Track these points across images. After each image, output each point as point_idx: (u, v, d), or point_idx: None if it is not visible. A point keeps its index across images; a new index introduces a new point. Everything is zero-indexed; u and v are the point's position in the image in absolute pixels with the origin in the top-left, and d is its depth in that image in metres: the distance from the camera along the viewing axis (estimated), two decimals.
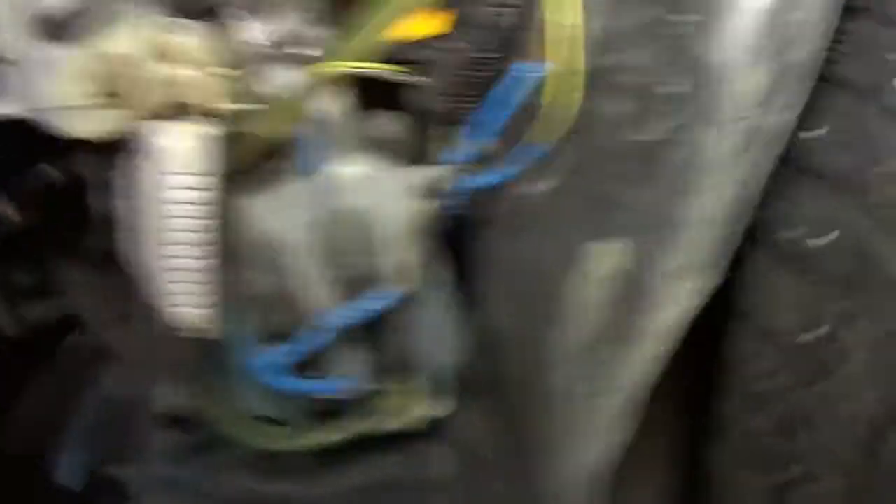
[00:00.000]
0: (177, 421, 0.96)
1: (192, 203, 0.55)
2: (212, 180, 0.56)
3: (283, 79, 0.61)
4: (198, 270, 0.57)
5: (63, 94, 0.54)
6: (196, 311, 0.58)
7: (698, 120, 0.46)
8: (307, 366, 0.72)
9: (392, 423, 0.81)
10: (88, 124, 0.55)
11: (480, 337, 0.79)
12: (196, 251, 0.57)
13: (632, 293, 0.50)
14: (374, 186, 0.67)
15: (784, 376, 0.56)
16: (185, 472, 1.08)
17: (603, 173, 0.52)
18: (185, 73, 0.55)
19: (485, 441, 1.13)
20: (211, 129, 0.56)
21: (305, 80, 0.61)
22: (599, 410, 0.55)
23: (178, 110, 0.56)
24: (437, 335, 0.74)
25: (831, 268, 0.54)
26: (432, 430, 1.12)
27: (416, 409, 0.79)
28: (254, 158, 0.63)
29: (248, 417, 0.78)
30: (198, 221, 0.56)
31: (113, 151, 0.58)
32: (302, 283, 0.69)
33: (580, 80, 0.54)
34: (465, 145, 0.63)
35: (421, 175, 0.66)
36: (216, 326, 0.60)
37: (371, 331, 0.72)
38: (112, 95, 0.54)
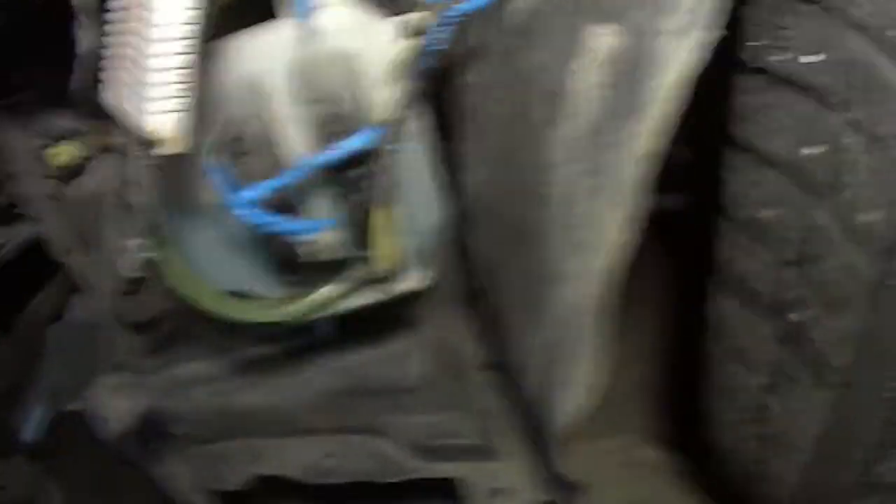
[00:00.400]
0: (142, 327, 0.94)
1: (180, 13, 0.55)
2: None
3: None
4: (178, 81, 0.56)
5: None
6: (172, 119, 0.57)
7: None
8: (286, 209, 0.70)
9: (377, 293, 0.79)
10: None
11: (470, 186, 0.78)
12: (177, 61, 0.56)
13: (632, 65, 0.49)
14: (361, 28, 0.67)
15: (788, 202, 0.54)
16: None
17: None
18: None
19: (463, 343, 1.11)
20: None
21: None
22: (602, 214, 0.53)
23: None
24: (422, 192, 0.72)
25: (826, 82, 0.54)
26: (409, 330, 1.09)
27: (401, 277, 0.77)
28: None
29: (223, 292, 0.75)
30: (184, 31, 0.55)
31: None
32: (282, 124, 0.69)
33: None
34: None
35: (405, 18, 0.65)
36: (187, 139, 0.59)
37: (351, 186, 0.70)
38: None
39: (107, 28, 0.63)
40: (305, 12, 0.65)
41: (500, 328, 0.85)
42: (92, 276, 1.17)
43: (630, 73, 0.49)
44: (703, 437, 0.72)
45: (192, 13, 0.56)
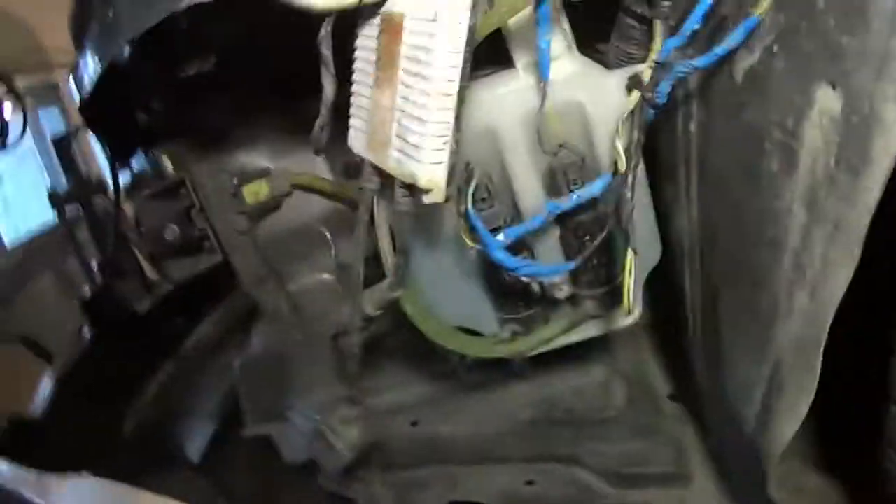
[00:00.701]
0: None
1: (454, 65, 0.61)
2: (468, 42, 0.61)
3: None
4: (446, 133, 0.62)
5: None
6: (441, 170, 0.63)
7: None
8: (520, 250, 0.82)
9: (593, 329, 0.90)
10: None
11: (688, 228, 0.89)
12: (448, 115, 0.62)
13: (858, 125, 0.55)
14: (590, 81, 0.78)
15: None
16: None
17: (814, 30, 0.61)
18: None
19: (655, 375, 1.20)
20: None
21: None
22: (836, 259, 0.60)
23: None
24: (644, 233, 0.82)
25: None
26: (607, 361, 1.20)
27: (617, 313, 0.87)
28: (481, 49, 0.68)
29: (453, 328, 0.87)
30: (454, 80, 0.61)
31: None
32: (521, 173, 0.80)
33: None
34: (672, 37, 0.72)
35: (631, 72, 0.75)
36: (444, 190, 0.64)
37: (583, 229, 0.82)
38: None
39: (356, 77, 0.72)
40: (541, 65, 0.73)
41: (711, 362, 0.93)
42: (283, 307, 1.34)
43: (855, 132, 0.55)
44: (873, 459, 0.77)
45: (460, 70, 0.61)
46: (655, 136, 0.93)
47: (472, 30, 0.61)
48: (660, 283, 1.02)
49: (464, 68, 0.61)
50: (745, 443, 0.85)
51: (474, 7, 0.61)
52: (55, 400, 1.14)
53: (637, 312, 0.88)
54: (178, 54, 0.94)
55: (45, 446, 1.05)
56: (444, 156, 0.63)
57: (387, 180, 0.72)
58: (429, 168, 0.63)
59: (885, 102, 0.53)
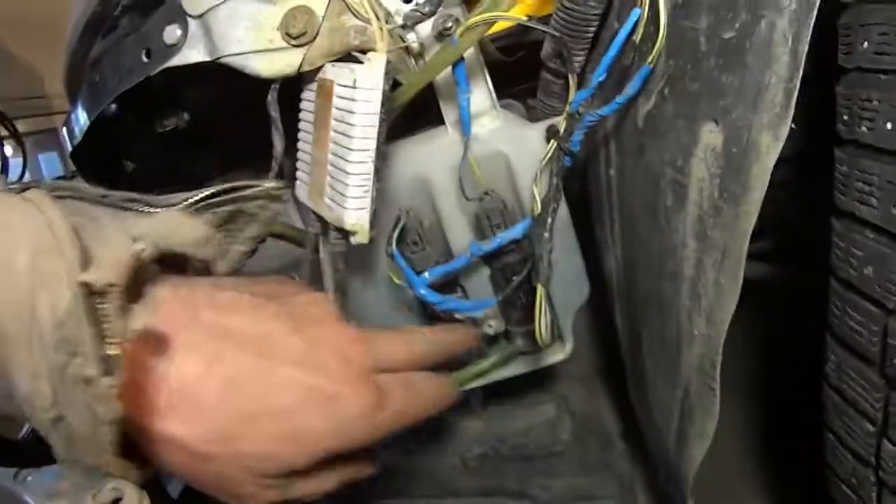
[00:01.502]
0: None
1: (370, 124, 0.67)
2: (383, 104, 0.67)
3: (431, 31, 0.76)
4: (368, 183, 0.68)
5: (255, 40, 0.70)
6: (365, 215, 0.69)
7: (766, 7, 0.54)
8: (449, 289, 0.85)
9: (525, 364, 0.91)
10: (271, 66, 0.71)
11: (613, 267, 0.91)
12: (369, 166, 0.68)
13: (736, 156, 0.58)
14: (512, 133, 0.81)
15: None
16: None
17: (698, 72, 0.64)
18: (356, 22, 0.70)
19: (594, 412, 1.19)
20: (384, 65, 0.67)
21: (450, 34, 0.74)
22: (724, 283, 0.62)
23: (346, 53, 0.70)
24: (569, 273, 0.85)
25: None
26: (555, 398, 1.20)
27: (547, 349, 0.88)
28: (405, 105, 0.76)
29: None
30: (371, 137, 0.67)
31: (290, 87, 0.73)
32: (450, 218, 0.83)
33: (662, 18, 0.65)
34: (581, 90, 0.75)
35: (547, 124, 0.79)
36: (368, 232, 0.70)
37: (508, 269, 0.84)
38: (296, 39, 0.69)
39: (300, 135, 0.78)
40: (462, 121, 0.77)
41: (641, 394, 0.94)
42: None
43: (735, 162, 0.58)
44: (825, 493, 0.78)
45: (377, 129, 0.67)
46: (586, 182, 0.96)
47: (385, 94, 0.67)
48: (609, 327, 1.04)
49: (380, 127, 0.67)
50: (672, 471, 0.85)
51: (387, 74, 0.67)
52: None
53: (568, 348, 0.89)
54: (155, 112, 0.98)
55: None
56: (367, 203, 0.69)
57: (325, 225, 0.77)
58: (353, 213, 0.69)
59: (760, 131, 0.56)
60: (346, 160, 0.68)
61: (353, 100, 0.67)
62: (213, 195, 0.67)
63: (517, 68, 0.92)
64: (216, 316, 0.54)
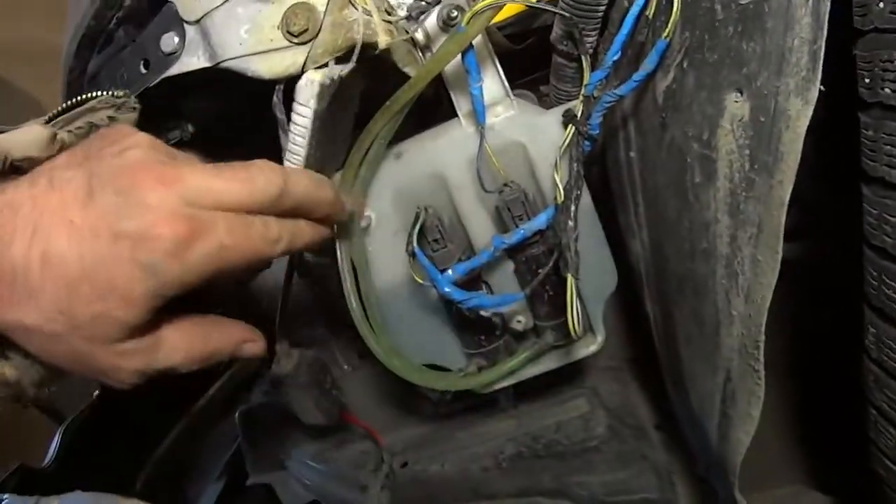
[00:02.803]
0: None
1: (299, 135, 0.71)
2: (314, 121, 0.70)
3: (437, 21, 0.75)
4: None
5: (255, 42, 0.69)
6: None
7: None
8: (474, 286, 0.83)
9: (557, 359, 0.89)
10: (274, 67, 0.70)
11: (641, 251, 0.89)
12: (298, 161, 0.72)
13: (764, 124, 0.56)
14: (527, 121, 0.79)
15: None
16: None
17: (717, 41, 0.61)
18: (359, 16, 0.69)
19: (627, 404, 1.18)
20: (336, 73, 0.70)
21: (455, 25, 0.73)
22: (762, 259, 0.60)
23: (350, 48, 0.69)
24: (596, 262, 0.83)
25: None
26: (587, 393, 1.18)
27: (579, 342, 0.87)
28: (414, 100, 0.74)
29: (419, 365, 0.86)
30: (300, 146, 0.71)
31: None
32: (469, 212, 0.81)
33: None
34: (596, 71, 0.73)
35: (563, 109, 0.77)
36: None
37: (533, 262, 0.82)
38: (298, 37, 0.68)
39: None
40: (476, 111, 0.75)
41: (678, 381, 0.92)
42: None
43: (764, 131, 0.56)
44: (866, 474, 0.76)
45: (309, 138, 0.70)
46: (606, 167, 0.94)
47: (317, 113, 0.70)
48: (640, 318, 1.02)
49: (310, 139, 0.71)
50: (713, 457, 0.83)
51: (319, 96, 0.69)
52: (65, 455, 1.14)
53: (600, 339, 0.86)
54: (157, 125, 0.97)
55: None
56: None
57: None
58: None
59: (788, 97, 0.54)
60: (284, 157, 0.72)
61: (293, 109, 0.70)
62: (61, 111, 0.68)
63: (526, 57, 0.90)
64: (35, 195, 0.54)
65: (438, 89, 0.82)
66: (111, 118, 0.69)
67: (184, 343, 0.60)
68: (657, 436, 1.16)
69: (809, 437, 1.05)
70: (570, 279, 0.70)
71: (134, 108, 0.71)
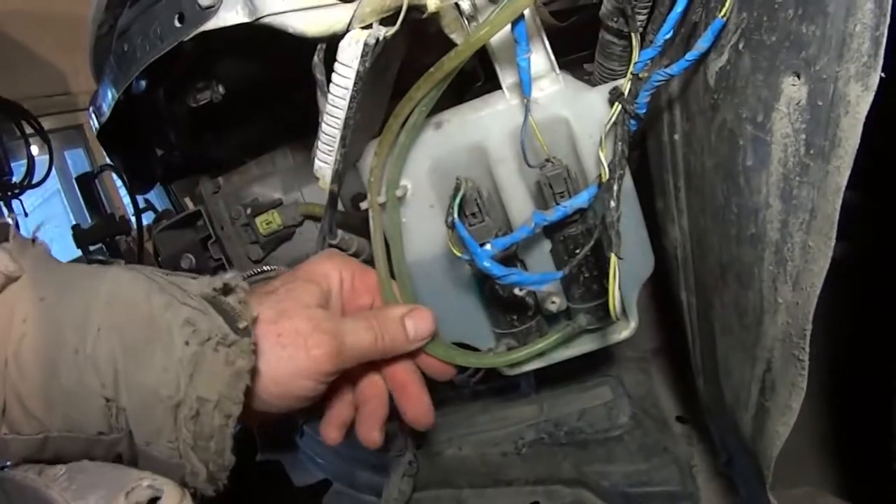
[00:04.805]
0: None
1: (340, 96, 0.70)
2: (356, 82, 0.69)
3: None
4: (333, 139, 0.72)
5: None
6: (322, 166, 0.75)
7: None
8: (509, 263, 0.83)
9: (589, 343, 0.89)
10: (318, 25, 0.69)
11: (680, 236, 0.89)
12: (335, 128, 0.72)
13: (822, 110, 0.56)
14: (573, 96, 0.79)
15: None
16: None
17: (775, 23, 0.60)
18: None
19: (650, 395, 1.18)
20: (381, 34, 0.69)
21: None
22: (814, 246, 0.60)
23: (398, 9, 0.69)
24: (634, 245, 0.83)
25: None
26: (610, 381, 1.18)
27: (611, 326, 0.87)
28: (457, 67, 0.73)
29: (447, 343, 0.87)
30: (340, 108, 0.70)
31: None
32: (509, 187, 0.81)
33: None
34: (647, 49, 0.73)
35: (611, 87, 0.76)
36: (329, 184, 0.76)
37: (571, 241, 0.82)
38: None
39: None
40: (522, 82, 0.74)
41: (709, 372, 0.92)
42: None
43: (822, 116, 0.56)
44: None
45: (350, 100, 0.69)
46: (646, 151, 0.94)
47: (360, 74, 0.68)
48: (667, 307, 1.02)
49: (351, 102, 0.70)
50: (744, 451, 0.83)
51: (364, 56, 0.68)
52: None
53: (633, 325, 0.87)
54: (188, 85, 0.97)
55: None
56: (330, 160, 0.73)
57: None
58: (317, 164, 0.74)
59: (847, 82, 0.54)
60: (324, 121, 0.72)
61: (334, 70, 0.69)
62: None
63: (569, 35, 0.90)
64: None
65: (475, 62, 0.81)
66: None
67: None
68: (678, 428, 1.16)
69: (826, 437, 1.06)
70: (613, 259, 0.70)
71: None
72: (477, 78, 0.93)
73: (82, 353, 0.58)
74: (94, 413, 0.59)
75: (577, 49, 0.94)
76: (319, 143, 0.73)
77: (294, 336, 0.69)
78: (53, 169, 4.02)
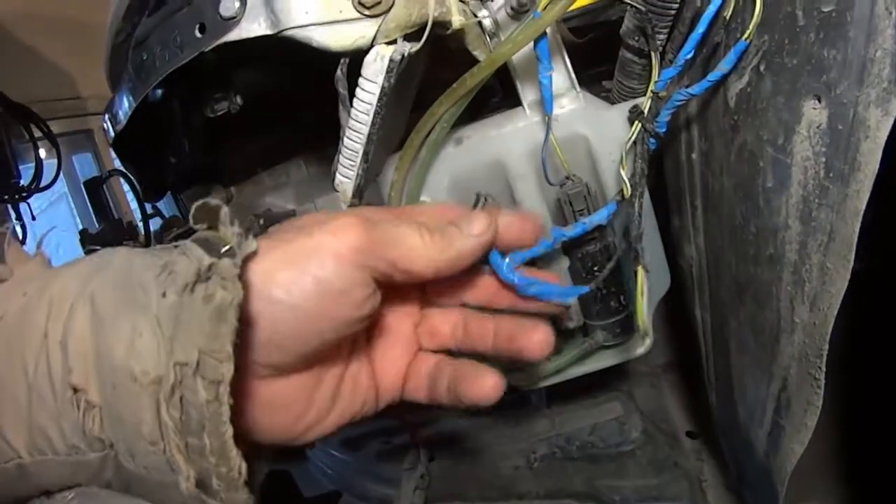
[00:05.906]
0: None
1: (363, 111, 0.71)
2: (381, 97, 0.70)
3: (504, 5, 0.77)
4: (356, 154, 0.73)
5: (323, 11, 0.68)
6: (343, 181, 0.75)
7: None
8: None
9: (605, 359, 0.90)
10: (342, 39, 0.69)
11: (696, 254, 0.90)
12: (357, 143, 0.72)
13: (843, 133, 0.57)
14: (593, 115, 0.80)
15: None
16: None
17: (797, 47, 0.61)
18: None
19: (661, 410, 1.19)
20: (406, 49, 0.69)
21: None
22: (832, 268, 0.61)
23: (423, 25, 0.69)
24: (653, 261, 0.84)
25: None
26: (621, 396, 1.19)
27: (629, 343, 0.87)
28: (477, 85, 0.74)
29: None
30: (363, 123, 0.71)
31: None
32: (530, 203, 0.82)
33: None
34: (667, 68, 0.74)
35: (630, 105, 0.78)
36: (350, 199, 0.75)
37: (588, 258, 0.83)
38: (370, 9, 0.68)
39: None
40: (544, 100, 0.75)
41: (723, 390, 0.93)
42: None
43: (842, 140, 0.57)
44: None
45: (374, 116, 0.70)
46: (662, 169, 0.95)
47: (385, 90, 0.69)
48: (678, 323, 1.03)
49: (374, 118, 0.71)
50: (757, 467, 0.84)
51: (389, 72, 0.69)
52: None
53: (649, 341, 0.87)
54: (205, 95, 0.98)
55: None
56: (352, 175, 0.74)
57: None
58: (338, 178, 0.75)
59: (867, 107, 0.55)
60: (346, 136, 0.72)
61: (358, 84, 0.70)
62: None
63: (587, 52, 0.91)
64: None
65: (493, 78, 0.83)
66: None
67: None
68: (689, 444, 1.17)
69: (834, 452, 1.06)
70: (640, 272, 0.71)
71: None
72: (494, 93, 0.95)
73: (52, 337, 0.46)
74: (64, 415, 0.46)
75: (593, 64, 0.95)
76: (341, 157, 0.74)
77: (305, 238, 0.52)
78: (61, 173, 4.04)
